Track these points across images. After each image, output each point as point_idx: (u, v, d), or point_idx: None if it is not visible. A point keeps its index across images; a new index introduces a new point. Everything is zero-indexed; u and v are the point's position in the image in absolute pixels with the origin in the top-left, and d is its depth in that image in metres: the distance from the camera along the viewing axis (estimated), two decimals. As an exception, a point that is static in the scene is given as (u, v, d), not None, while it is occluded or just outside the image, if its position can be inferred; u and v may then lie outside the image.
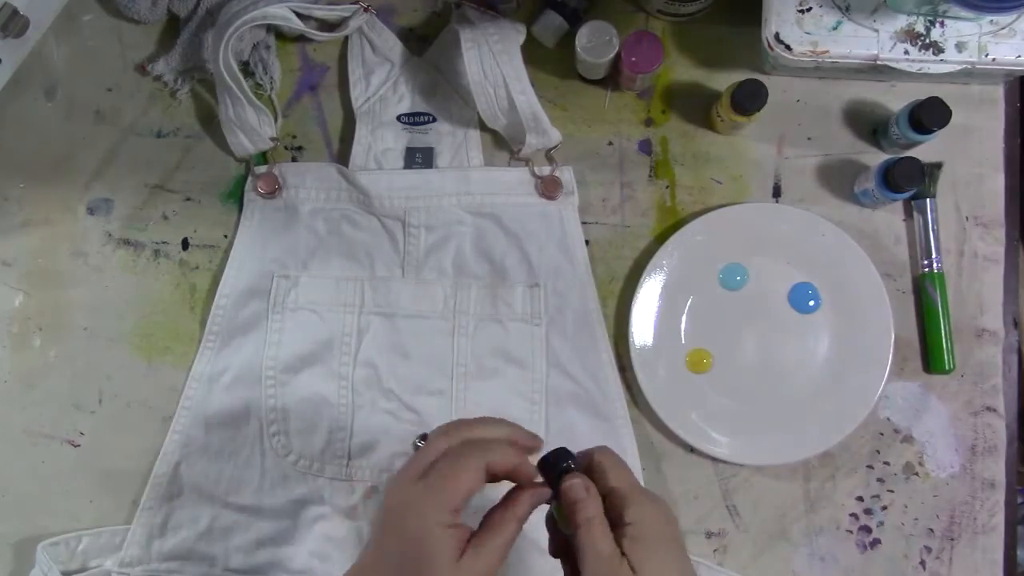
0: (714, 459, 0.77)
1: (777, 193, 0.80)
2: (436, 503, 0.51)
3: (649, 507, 0.53)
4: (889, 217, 0.79)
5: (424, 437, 0.54)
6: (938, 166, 0.78)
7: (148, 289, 0.81)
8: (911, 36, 0.72)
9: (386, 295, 0.79)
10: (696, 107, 0.81)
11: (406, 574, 0.51)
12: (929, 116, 0.73)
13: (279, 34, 0.83)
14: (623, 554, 0.51)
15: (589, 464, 0.55)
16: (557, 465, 0.54)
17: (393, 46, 0.81)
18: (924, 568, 0.76)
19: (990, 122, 0.80)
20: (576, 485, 0.53)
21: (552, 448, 0.55)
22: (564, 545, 0.55)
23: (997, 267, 0.79)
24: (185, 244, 0.82)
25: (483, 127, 0.80)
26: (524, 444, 0.55)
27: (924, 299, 0.78)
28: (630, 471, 0.55)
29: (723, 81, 0.79)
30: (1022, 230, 0.81)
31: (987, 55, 0.71)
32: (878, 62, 0.72)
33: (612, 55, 0.76)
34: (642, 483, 0.75)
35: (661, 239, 0.79)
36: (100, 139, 0.83)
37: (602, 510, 0.53)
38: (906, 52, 0.72)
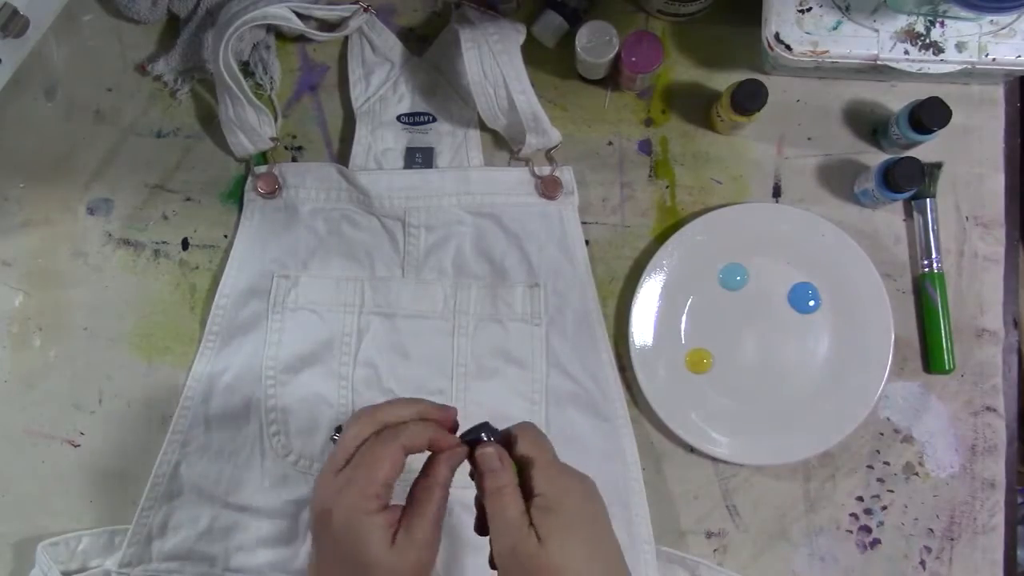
0: (714, 459, 0.77)
1: (777, 193, 0.80)
2: (358, 493, 0.51)
3: (564, 481, 0.53)
4: (889, 217, 0.79)
5: (340, 429, 0.54)
6: (938, 166, 0.78)
7: (148, 289, 0.81)
8: (911, 36, 0.72)
9: (386, 295, 0.79)
10: (696, 107, 0.81)
11: (349, 570, 0.51)
12: (929, 116, 0.73)
13: (279, 34, 0.83)
14: (532, 524, 0.50)
15: (508, 438, 0.55)
16: (474, 435, 0.54)
17: (393, 46, 0.81)
18: (924, 568, 0.76)
19: (990, 122, 0.80)
20: (488, 454, 0.53)
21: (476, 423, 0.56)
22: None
23: (997, 267, 0.79)
24: (185, 244, 0.82)
25: (483, 127, 0.80)
26: (436, 417, 0.55)
27: (924, 299, 0.78)
28: (549, 446, 0.54)
29: (723, 81, 0.79)
30: (1022, 230, 0.81)
31: (987, 55, 0.71)
32: (878, 62, 0.72)
33: (612, 55, 0.75)
34: (642, 483, 0.75)
35: (661, 239, 0.79)
36: (100, 139, 0.83)
37: (515, 481, 0.52)
38: (906, 52, 0.72)
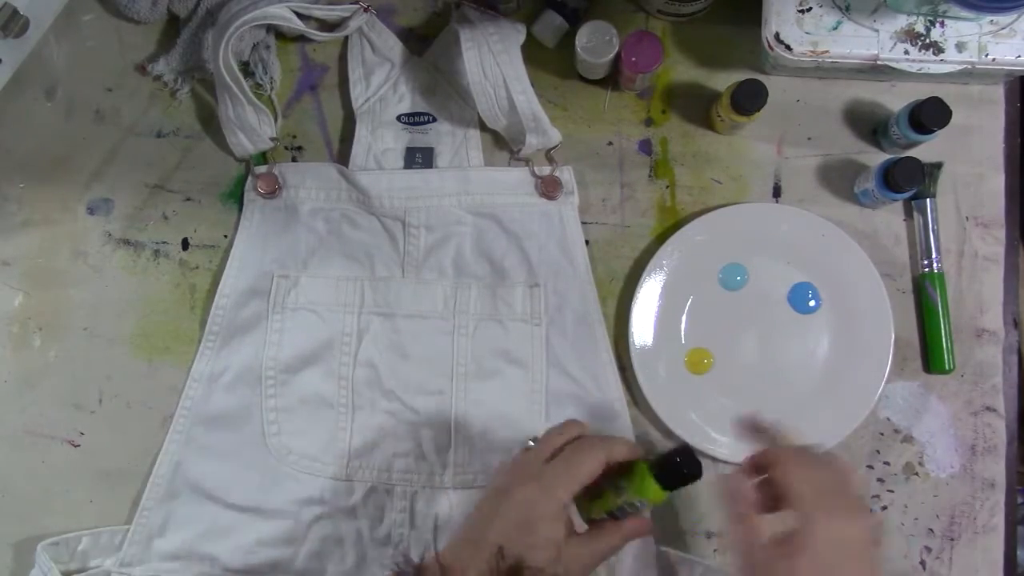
0: (714, 459, 0.77)
1: (777, 193, 0.80)
2: (565, 483, 0.58)
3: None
4: (889, 217, 0.79)
5: (535, 439, 0.63)
6: (938, 166, 0.78)
7: (148, 289, 0.81)
8: (911, 36, 0.72)
9: (386, 295, 0.79)
10: (696, 107, 0.81)
11: (520, 532, 0.57)
12: (929, 116, 0.73)
13: (279, 34, 0.83)
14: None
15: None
16: (680, 471, 0.61)
17: (393, 46, 0.81)
18: (924, 568, 0.76)
19: (990, 122, 0.80)
20: (735, 477, 0.59)
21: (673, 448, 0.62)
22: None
23: (997, 267, 0.79)
24: (185, 244, 0.82)
25: (483, 127, 0.80)
26: (629, 448, 0.62)
27: (924, 299, 0.78)
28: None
29: (723, 81, 0.79)
30: (1022, 230, 0.81)
31: (987, 55, 0.71)
32: (878, 62, 0.72)
33: (612, 55, 0.76)
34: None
35: (661, 239, 0.79)
36: (100, 139, 0.83)
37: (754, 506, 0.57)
38: (906, 52, 0.72)
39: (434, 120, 0.81)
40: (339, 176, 0.80)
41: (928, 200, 0.78)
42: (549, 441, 0.61)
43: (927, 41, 0.71)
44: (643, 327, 0.77)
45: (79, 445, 0.80)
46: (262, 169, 0.81)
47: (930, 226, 0.78)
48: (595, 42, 0.75)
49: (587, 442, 0.60)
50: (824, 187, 0.80)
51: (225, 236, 0.82)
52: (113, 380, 0.81)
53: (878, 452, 0.77)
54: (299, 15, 0.78)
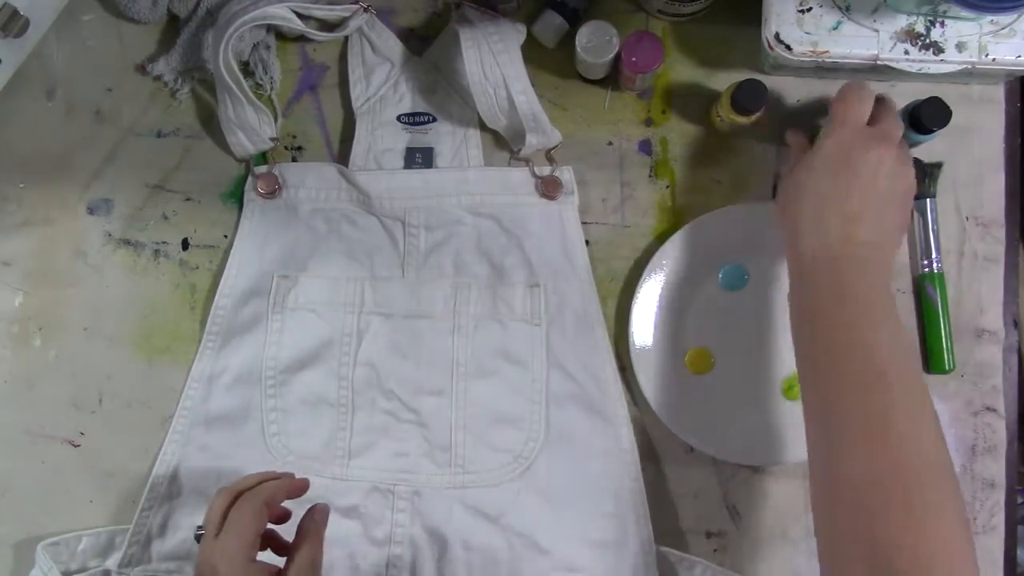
0: (714, 459, 0.77)
1: (777, 193, 0.80)
2: (237, 546, 0.60)
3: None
4: (889, 217, 0.79)
5: (201, 527, 0.63)
6: (938, 166, 0.78)
7: (148, 289, 0.81)
8: (911, 36, 0.72)
9: (386, 295, 0.79)
10: (696, 107, 0.81)
11: None
12: (929, 116, 0.73)
13: (279, 34, 0.83)
14: None
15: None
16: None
17: (393, 46, 0.81)
18: (924, 568, 0.76)
19: (990, 122, 0.80)
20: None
21: None
22: None
23: (997, 267, 0.79)
24: (185, 244, 0.82)
25: (483, 127, 0.80)
26: (286, 479, 0.66)
27: (924, 299, 0.78)
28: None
29: (723, 81, 0.79)
30: (1022, 230, 0.81)
31: (987, 55, 0.71)
32: (878, 62, 0.72)
33: (612, 55, 0.76)
34: (642, 483, 0.75)
35: (661, 239, 0.79)
36: (100, 139, 0.83)
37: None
38: (906, 52, 0.72)
39: (434, 120, 0.81)
40: (339, 176, 0.80)
41: (928, 200, 0.78)
42: (211, 517, 0.62)
43: (927, 41, 0.71)
44: (643, 327, 0.77)
45: (79, 445, 0.80)
46: (262, 169, 0.81)
47: (930, 226, 0.78)
48: (595, 42, 0.75)
49: (244, 501, 0.62)
50: (824, 187, 0.80)
51: (225, 236, 0.82)
52: (113, 380, 0.81)
53: (878, 452, 0.77)
54: (299, 15, 0.78)
